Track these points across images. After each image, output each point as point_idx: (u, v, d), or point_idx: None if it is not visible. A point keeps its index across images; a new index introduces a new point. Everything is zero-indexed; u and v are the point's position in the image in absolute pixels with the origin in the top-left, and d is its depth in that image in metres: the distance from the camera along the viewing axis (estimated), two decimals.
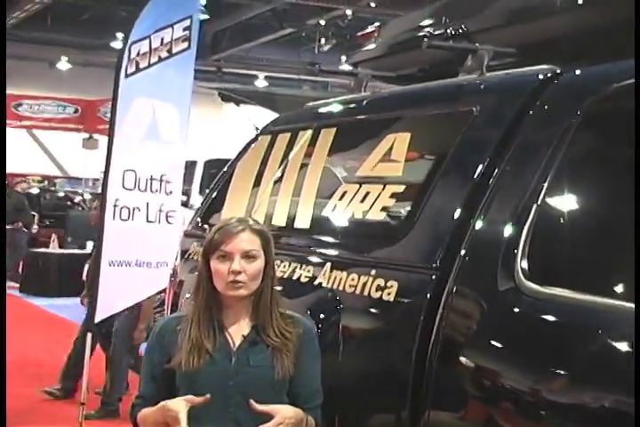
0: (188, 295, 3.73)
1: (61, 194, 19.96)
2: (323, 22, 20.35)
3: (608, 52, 2.84)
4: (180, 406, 2.62)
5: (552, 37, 3.33)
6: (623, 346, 2.15)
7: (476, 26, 3.51)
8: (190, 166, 15.80)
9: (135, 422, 2.82)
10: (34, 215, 16.07)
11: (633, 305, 2.12)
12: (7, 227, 14.57)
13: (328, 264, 3.23)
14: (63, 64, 25.45)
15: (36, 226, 16.01)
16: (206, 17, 21.08)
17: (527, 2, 3.47)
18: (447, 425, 2.59)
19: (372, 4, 18.95)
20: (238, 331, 2.78)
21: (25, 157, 27.48)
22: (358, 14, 19.14)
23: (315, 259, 3.36)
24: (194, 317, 2.75)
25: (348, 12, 19.41)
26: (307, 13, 20.34)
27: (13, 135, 29.57)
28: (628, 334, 2.11)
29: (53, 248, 14.30)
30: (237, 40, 23.04)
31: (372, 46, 4.14)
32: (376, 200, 3.15)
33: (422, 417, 2.62)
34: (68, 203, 18.17)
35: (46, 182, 23.04)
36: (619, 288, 2.30)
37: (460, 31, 3.47)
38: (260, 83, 24.81)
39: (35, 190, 19.24)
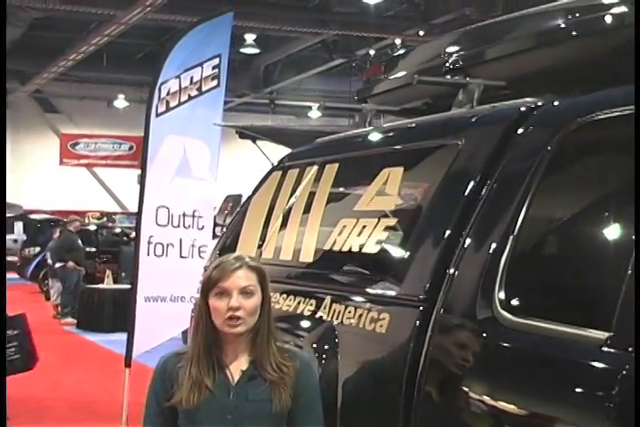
0: None
1: (118, 230, 20.27)
2: (372, 52, 20.51)
3: (599, 82, 2.89)
4: None
5: (545, 69, 3.38)
6: (590, 377, 2.18)
7: (472, 59, 3.59)
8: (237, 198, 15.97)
9: None
10: (90, 252, 16.30)
11: (605, 335, 2.15)
12: (57, 265, 14.91)
13: (328, 298, 3.31)
14: (120, 102, 26.03)
15: (91, 262, 16.23)
16: (257, 51, 21.56)
17: (523, 35, 3.52)
18: None
19: (421, 33, 19.08)
20: (237, 366, 2.83)
21: (85, 194, 28.16)
22: (407, 43, 19.26)
23: (317, 292, 3.44)
24: (194, 354, 2.80)
25: (397, 41, 19.57)
26: (356, 44, 20.56)
27: (73, 173, 30.36)
28: (594, 364, 2.16)
29: (108, 284, 14.54)
30: (289, 72, 23.31)
31: (378, 81, 4.23)
32: (371, 234, 3.23)
33: None
34: (124, 238, 18.42)
35: (105, 219, 23.46)
36: (592, 319, 2.32)
37: (456, 65, 3.56)
38: (314, 114, 25.02)
39: (92, 227, 19.58)
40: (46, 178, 29.21)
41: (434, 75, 3.67)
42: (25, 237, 22.90)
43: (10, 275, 17.85)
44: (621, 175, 2.43)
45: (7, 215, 19.44)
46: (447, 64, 3.67)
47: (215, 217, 17.62)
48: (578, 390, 2.21)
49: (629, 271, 2.16)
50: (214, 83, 6.39)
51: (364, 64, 21.76)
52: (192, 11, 16.43)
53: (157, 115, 6.14)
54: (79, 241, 15.36)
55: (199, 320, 2.83)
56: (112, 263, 17.20)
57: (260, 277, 2.82)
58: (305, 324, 3.42)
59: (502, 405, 2.43)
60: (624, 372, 2.06)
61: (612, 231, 2.41)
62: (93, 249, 17.93)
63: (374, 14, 18.37)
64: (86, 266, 15.74)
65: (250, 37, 20.66)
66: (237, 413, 2.76)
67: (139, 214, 6.12)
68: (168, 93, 6.18)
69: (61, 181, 28.80)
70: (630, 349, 2.06)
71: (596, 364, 2.16)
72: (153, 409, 2.87)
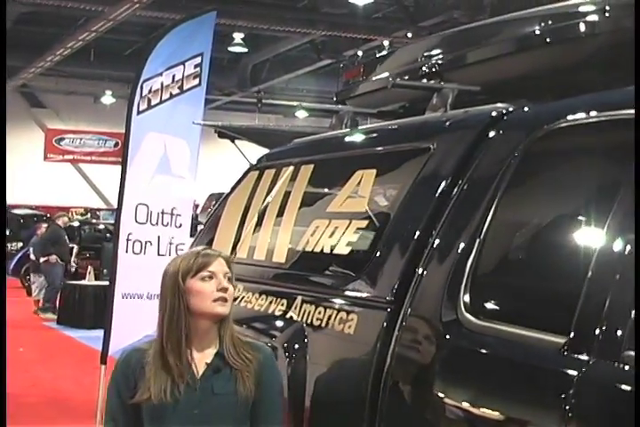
0: None
1: (101, 226, 20.20)
2: (360, 53, 20.53)
3: (572, 90, 2.92)
4: None
5: (519, 75, 3.41)
6: (549, 380, 2.21)
7: (449, 64, 3.62)
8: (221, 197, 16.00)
9: None
10: (72, 248, 16.26)
11: (564, 339, 2.19)
12: (41, 259, 14.89)
13: (299, 298, 3.34)
14: (107, 98, 25.97)
15: (74, 259, 16.21)
16: (245, 50, 21.57)
17: (498, 40, 3.55)
18: None
19: (409, 35, 19.11)
20: (202, 359, 2.84)
21: (69, 190, 28.06)
22: (396, 44, 19.28)
23: (288, 293, 3.46)
24: (161, 349, 2.80)
25: (385, 42, 19.60)
26: (344, 45, 20.58)
27: (58, 169, 30.24)
28: (553, 368, 2.19)
29: (89, 280, 14.52)
30: (277, 72, 23.33)
31: (357, 83, 4.25)
32: (342, 235, 3.26)
33: None
34: (107, 235, 18.36)
35: (89, 215, 23.39)
36: (553, 323, 2.34)
37: (433, 69, 3.59)
38: (300, 114, 25.03)
39: (75, 223, 19.53)
40: (31, 173, 29.12)
41: (411, 78, 3.71)
42: (7, 232, 22.83)
43: None
44: (586, 181, 2.47)
45: None
46: (424, 68, 3.70)
47: (198, 215, 17.69)
48: (536, 392, 2.23)
49: (589, 275, 2.19)
50: (196, 81, 6.39)
51: (351, 65, 21.76)
52: (180, 8, 16.45)
53: (139, 112, 6.13)
54: (66, 237, 15.37)
55: (175, 310, 2.80)
56: (94, 260, 17.15)
57: (231, 269, 2.88)
58: (276, 324, 3.44)
59: (464, 405, 2.46)
60: (581, 375, 2.09)
61: (576, 237, 2.43)
62: (76, 245, 17.87)
63: (363, 15, 18.40)
64: (68, 262, 15.72)
65: (238, 36, 20.67)
66: (203, 407, 2.79)
67: (118, 211, 6.12)
68: (150, 91, 6.18)
69: (46, 177, 28.70)
70: (586, 354, 2.09)
71: (554, 367, 2.19)
72: (115, 405, 2.87)
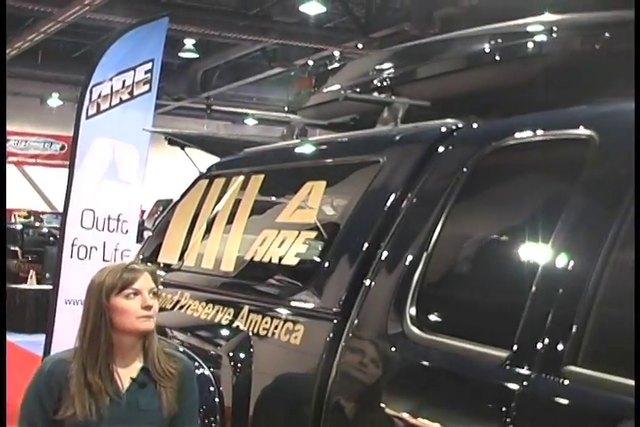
0: None
1: (45, 230, 19.93)
2: (311, 62, 20.56)
3: (519, 108, 2.97)
4: None
5: (469, 91, 3.46)
6: (491, 394, 2.24)
7: (400, 78, 3.66)
8: (168, 203, 15.93)
9: None
10: (15, 251, 16.00)
11: (505, 354, 2.22)
12: None
13: (246, 307, 3.34)
14: (54, 101, 25.66)
15: (14, 261, 15.93)
16: (196, 56, 21.48)
17: (448, 57, 3.60)
18: None
19: (360, 46, 19.19)
20: (127, 374, 2.82)
21: (12, 192, 27.67)
22: (346, 55, 19.36)
23: (235, 302, 3.46)
24: (85, 362, 2.74)
25: (336, 52, 19.66)
26: (295, 53, 20.59)
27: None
28: (495, 382, 2.22)
29: (31, 284, 14.31)
30: (227, 79, 23.27)
31: (308, 94, 4.28)
32: (291, 246, 3.27)
33: None
34: (51, 238, 18.11)
35: (32, 218, 23.04)
36: (496, 337, 2.37)
37: (384, 83, 3.63)
38: (250, 121, 24.99)
39: (18, 226, 19.26)
40: None
41: (362, 91, 3.74)
42: None
43: None
44: (531, 198, 2.52)
45: None
46: (375, 81, 3.73)
47: (145, 221, 17.50)
48: (478, 405, 2.26)
49: (532, 290, 2.23)
50: (146, 87, 6.38)
51: (302, 74, 21.81)
52: (131, 12, 16.32)
53: (87, 117, 6.11)
54: None
55: (97, 325, 2.76)
56: (37, 263, 16.90)
57: (157, 282, 2.87)
58: (222, 333, 3.44)
59: (408, 418, 2.48)
60: (522, 389, 2.12)
61: (521, 251, 2.47)
62: (18, 248, 17.61)
63: (314, 25, 18.40)
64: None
65: (189, 42, 20.56)
66: (129, 421, 2.76)
67: (64, 216, 6.09)
68: (99, 96, 6.16)
69: None
70: (527, 368, 2.13)
71: (496, 381, 2.22)
72: (35, 411, 2.76)
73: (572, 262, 2.19)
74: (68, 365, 2.77)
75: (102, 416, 2.71)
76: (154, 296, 2.80)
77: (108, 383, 2.74)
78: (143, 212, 18.85)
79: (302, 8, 16.70)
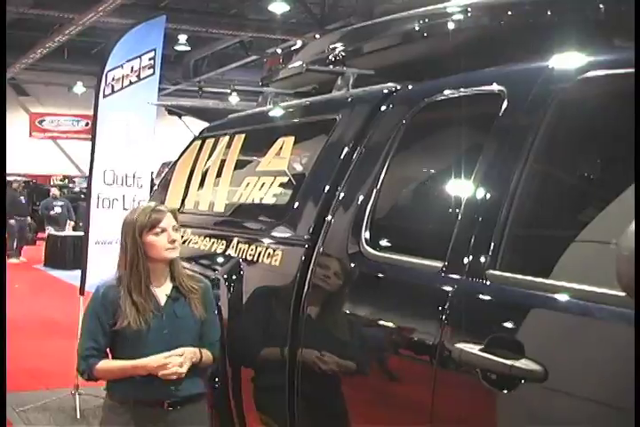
0: None
1: (77, 189, 19.72)
2: (279, 51, 20.23)
3: (445, 73, 2.88)
4: (160, 360, 2.70)
5: (404, 61, 3.36)
6: (431, 295, 2.20)
7: (349, 53, 3.55)
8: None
9: (90, 371, 2.75)
10: (27, 205, 15.99)
11: (440, 264, 2.17)
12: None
13: (236, 239, 3.28)
14: (79, 88, 25.20)
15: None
16: (188, 48, 21.08)
17: (387, 35, 3.50)
18: (315, 359, 2.64)
19: (317, 36, 18.88)
20: (162, 292, 2.83)
21: (50, 161, 27.26)
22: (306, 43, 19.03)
23: (227, 235, 3.40)
24: (130, 286, 2.75)
25: (299, 42, 19.34)
26: (267, 44, 20.28)
27: (41, 145, 29.37)
28: (433, 286, 2.18)
29: (69, 231, 14.21)
30: (214, 66, 22.95)
31: (278, 69, 4.16)
32: (269, 189, 3.20)
33: (297, 353, 2.69)
34: (82, 196, 17.91)
35: (67, 180, 22.71)
36: (433, 252, 2.30)
37: (337, 58, 3.52)
38: (233, 99, 24.65)
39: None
40: (19, 148, 28.16)
41: (320, 65, 3.63)
42: None
43: None
44: (457, 144, 2.45)
45: None
46: (330, 57, 3.63)
47: (154, 179, 17.31)
48: (421, 305, 2.24)
49: (459, 218, 2.18)
50: (150, 71, 6.20)
51: (273, 56, 21.45)
52: (136, 16, 15.89)
53: (104, 96, 5.93)
54: (22, 197, 15.14)
55: (135, 257, 2.76)
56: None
57: (177, 219, 2.85)
58: (218, 260, 3.38)
59: (366, 319, 2.45)
60: (454, 290, 2.09)
61: (449, 188, 2.42)
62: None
63: (281, 21, 18.18)
64: (31, 216, 15.49)
65: (182, 37, 20.20)
66: (170, 328, 2.78)
67: (90, 176, 5.96)
68: (113, 79, 5.97)
69: (31, 151, 27.80)
70: (458, 274, 2.09)
71: (434, 285, 2.18)
72: (95, 328, 2.78)
73: (488, 194, 2.14)
74: (115, 288, 2.78)
75: (149, 326, 2.73)
76: (176, 231, 2.80)
77: (150, 301, 2.76)
78: (152, 172, 18.66)
79: (271, 7, 16.51)
